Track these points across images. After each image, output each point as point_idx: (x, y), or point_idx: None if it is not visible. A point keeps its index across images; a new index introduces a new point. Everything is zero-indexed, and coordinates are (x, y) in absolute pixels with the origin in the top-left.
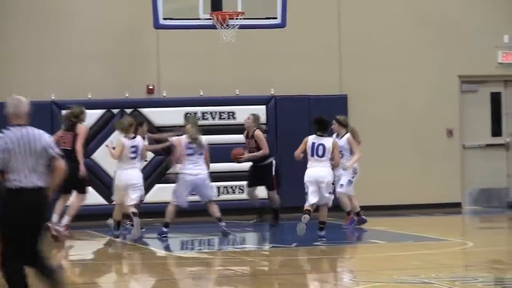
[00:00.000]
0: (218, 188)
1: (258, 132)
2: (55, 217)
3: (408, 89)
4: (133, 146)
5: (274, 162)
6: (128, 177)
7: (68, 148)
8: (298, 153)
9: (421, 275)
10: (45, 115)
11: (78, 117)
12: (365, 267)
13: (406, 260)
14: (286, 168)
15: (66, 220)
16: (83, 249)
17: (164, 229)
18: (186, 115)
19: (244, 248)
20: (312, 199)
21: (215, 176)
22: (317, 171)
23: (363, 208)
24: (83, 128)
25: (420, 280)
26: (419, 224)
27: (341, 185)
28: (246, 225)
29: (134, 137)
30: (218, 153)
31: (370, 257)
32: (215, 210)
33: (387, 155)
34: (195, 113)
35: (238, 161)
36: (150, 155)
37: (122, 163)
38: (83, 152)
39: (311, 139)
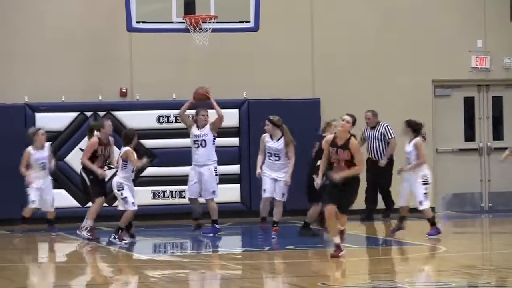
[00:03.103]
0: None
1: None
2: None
3: (381, 93)
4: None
5: None
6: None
7: None
8: None
9: (394, 279)
10: (18, 117)
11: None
12: (338, 271)
13: (379, 265)
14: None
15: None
16: (56, 251)
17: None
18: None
19: (217, 251)
20: None
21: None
22: None
23: None
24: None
25: (393, 285)
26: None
27: (283, 194)
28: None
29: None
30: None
31: (343, 261)
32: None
33: None
34: (168, 116)
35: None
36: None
37: None
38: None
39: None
